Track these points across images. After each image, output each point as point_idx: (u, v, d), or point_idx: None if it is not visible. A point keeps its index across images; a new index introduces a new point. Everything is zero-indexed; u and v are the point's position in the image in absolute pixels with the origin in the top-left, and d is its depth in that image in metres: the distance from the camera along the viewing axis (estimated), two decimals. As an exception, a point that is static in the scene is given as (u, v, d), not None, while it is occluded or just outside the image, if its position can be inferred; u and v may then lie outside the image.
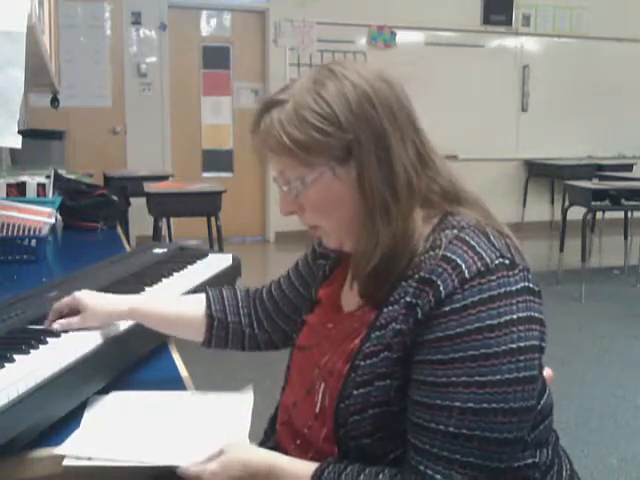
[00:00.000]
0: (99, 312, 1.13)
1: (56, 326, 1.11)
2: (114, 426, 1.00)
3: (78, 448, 0.91)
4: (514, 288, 0.85)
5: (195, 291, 1.43)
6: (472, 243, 0.87)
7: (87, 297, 1.15)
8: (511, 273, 0.85)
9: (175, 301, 1.23)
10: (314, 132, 0.88)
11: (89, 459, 0.89)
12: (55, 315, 1.15)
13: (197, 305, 1.20)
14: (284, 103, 0.91)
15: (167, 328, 1.20)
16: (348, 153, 0.90)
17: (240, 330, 1.19)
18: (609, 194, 4.67)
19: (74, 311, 1.14)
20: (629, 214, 5.59)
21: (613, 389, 3.18)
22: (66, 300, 1.15)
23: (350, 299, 1.00)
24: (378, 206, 0.90)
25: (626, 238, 5.57)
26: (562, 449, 1.05)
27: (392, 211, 0.90)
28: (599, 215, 6.31)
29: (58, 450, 0.90)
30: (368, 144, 0.89)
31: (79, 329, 1.12)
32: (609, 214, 6.18)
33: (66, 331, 1.11)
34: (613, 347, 3.78)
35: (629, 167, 7.15)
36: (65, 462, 0.88)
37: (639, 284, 5.15)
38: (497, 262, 0.85)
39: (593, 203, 4.68)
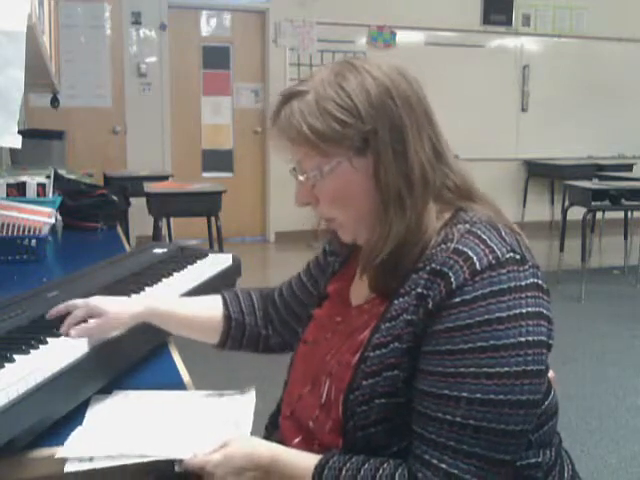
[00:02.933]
0: (120, 316, 1.10)
1: (73, 333, 1.06)
2: (116, 424, 1.00)
3: (79, 448, 0.91)
4: (524, 283, 0.86)
5: (196, 291, 1.44)
6: (484, 237, 0.88)
7: (103, 303, 1.10)
8: (521, 268, 0.86)
9: (191, 302, 1.22)
10: (334, 123, 0.90)
11: (90, 460, 0.89)
12: (70, 323, 1.10)
13: (213, 306, 1.20)
14: (305, 94, 0.92)
15: (183, 329, 1.18)
16: (366, 144, 0.91)
17: (256, 332, 1.20)
18: (609, 194, 4.67)
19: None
20: (629, 214, 5.59)
21: (613, 389, 3.18)
22: (80, 311, 1.10)
23: (359, 293, 1.01)
24: (392, 198, 0.91)
25: (626, 238, 5.57)
26: (565, 450, 1.05)
27: (406, 203, 0.91)
28: (599, 215, 6.31)
29: (60, 454, 0.89)
30: (385, 136, 0.90)
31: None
32: (609, 214, 6.18)
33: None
34: (613, 347, 3.79)
35: (629, 167, 7.15)
36: (67, 468, 0.88)
37: (639, 284, 5.15)
38: (508, 256, 0.86)
39: (593, 203, 4.68)
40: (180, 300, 1.22)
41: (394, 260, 0.92)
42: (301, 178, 0.96)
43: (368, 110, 0.90)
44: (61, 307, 1.14)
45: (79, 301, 1.13)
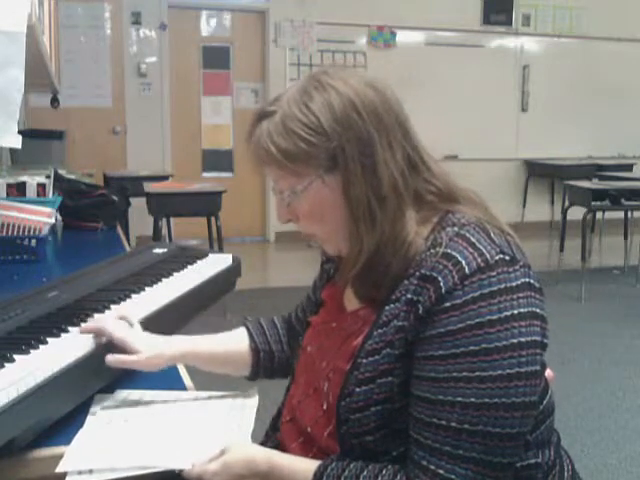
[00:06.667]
0: (153, 360, 1.07)
1: (110, 358, 1.04)
2: (117, 429, 1.00)
3: (79, 461, 0.90)
4: (514, 284, 0.85)
5: (196, 291, 1.44)
6: (472, 240, 0.88)
7: (138, 343, 1.07)
8: (511, 269, 0.86)
9: (219, 339, 1.21)
10: (300, 142, 0.89)
11: (90, 472, 0.88)
12: (94, 330, 1.08)
13: (239, 340, 1.21)
14: (273, 114, 0.92)
15: (213, 366, 1.18)
16: (334, 161, 0.90)
17: (285, 358, 1.21)
18: (609, 194, 4.66)
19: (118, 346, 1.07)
20: (629, 214, 5.59)
21: (613, 389, 3.18)
22: (118, 336, 1.06)
23: (353, 298, 1.01)
24: (362, 212, 0.91)
25: (626, 238, 5.57)
26: (564, 449, 1.05)
27: (377, 217, 0.91)
28: (599, 215, 6.31)
29: (60, 467, 0.88)
30: (353, 151, 0.90)
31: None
32: (609, 214, 6.18)
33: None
34: (613, 347, 3.78)
35: (629, 167, 7.15)
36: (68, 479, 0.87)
37: (639, 284, 5.15)
38: (497, 258, 0.86)
39: (593, 203, 4.68)
40: (207, 338, 1.20)
41: (373, 272, 0.92)
42: (278, 197, 0.97)
43: (333, 126, 0.89)
44: (91, 326, 1.09)
45: (117, 333, 1.08)
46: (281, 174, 0.94)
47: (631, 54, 7.54)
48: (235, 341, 1.21)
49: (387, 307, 0.91)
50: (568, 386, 3.15)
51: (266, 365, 1.20)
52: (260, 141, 0.93)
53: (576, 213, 4.80)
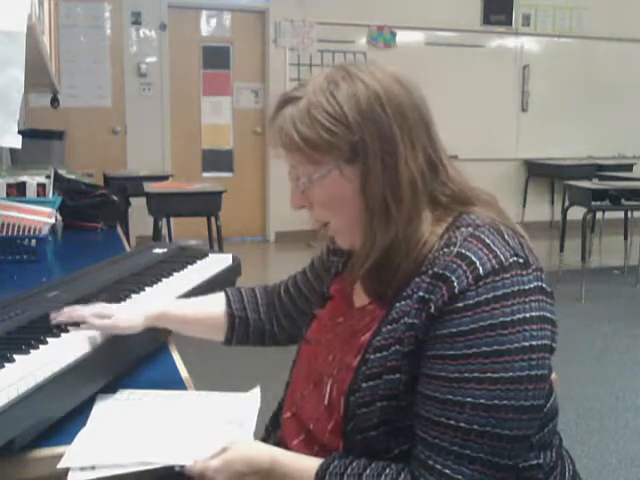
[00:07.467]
0: (128, 319, 1.11)
1: (96, 322, 1.08)
2: (119, 427, 1.00)
3: (81, 457, 0.90)
4: (527, 287, 0.85)
5: (196, 291, 1.44)
6: (487, 241, 0.88)
7: (113, 305, 1.11)
8: (525, 272, 0.86)
9: (195, 303, 1.23)
10: (323, 131, 0.89)
11: (93, 469, 0.88)
12: (68, 317, 1.11)
13: (217, 305, 1.22)
14: (299, 100, 0.92)
15: (189, 330, 1.20)
16: (355, 153, 0.90)
17: (261, 327, 1.22)
18: (609, 194, 4.66)
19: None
20: (629, 214, 5.59)
21: (613, 389, 3.18)
22: (93, 311, 1.11)
23: (362, 294, 1.01)
24: (378, 208, 0.90)
25: (626, 238, 5.56)
26: (565, 450, 1.05)
27: (392, 215, 0.90)
28: (599, 215, 6.31)
29: (62, 464, 0.89)
30: (374, 146, 0.89)
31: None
32: (609, 214, 6.18)
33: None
34: (613, 347, 3.78)
35: (629, 167, 7.15)
36: (70, 478, 0.87)
37: (639, 284, 5.15)
38: (511, 260, 0.86)
39: (593, 203, 4.68)
40: (185, 302, 1.23)
41: (383, 270, 0.92)
42: (293, 183, 0.97)
43: (357, 118, 0.89)
44: (64, 316, 1.12)
45: (85, 308, 1.12)
46: (300, 161, 0.93)
47: (631, 54, 7.54)
48: (211, 305, 1.22)
49: (398, 304, 0.91)
50: (568, 386, 3.14)
51: (240, 331, 1.21)
52: (283, 126, 0.92)
53: (576, 213, 4.80)
